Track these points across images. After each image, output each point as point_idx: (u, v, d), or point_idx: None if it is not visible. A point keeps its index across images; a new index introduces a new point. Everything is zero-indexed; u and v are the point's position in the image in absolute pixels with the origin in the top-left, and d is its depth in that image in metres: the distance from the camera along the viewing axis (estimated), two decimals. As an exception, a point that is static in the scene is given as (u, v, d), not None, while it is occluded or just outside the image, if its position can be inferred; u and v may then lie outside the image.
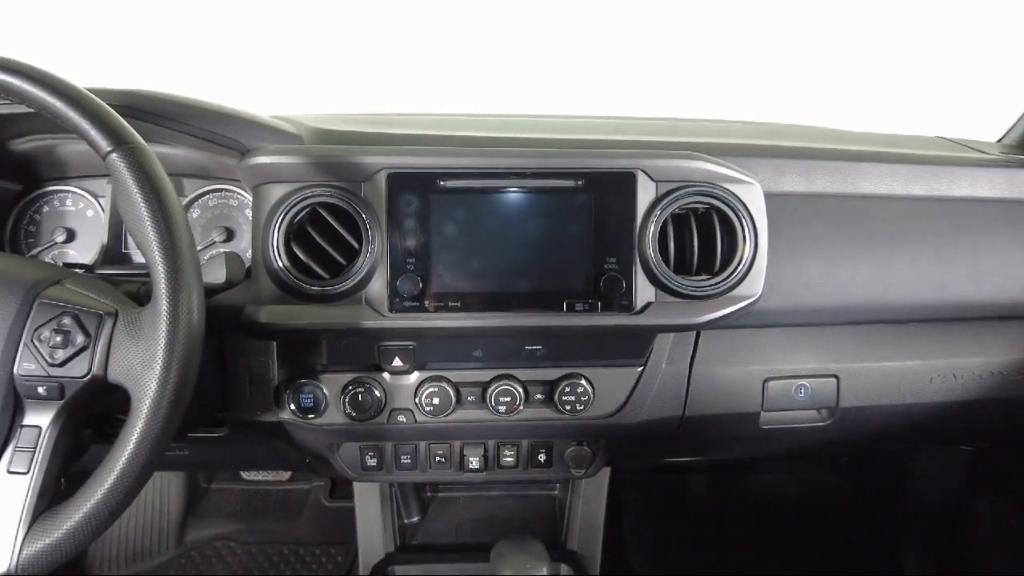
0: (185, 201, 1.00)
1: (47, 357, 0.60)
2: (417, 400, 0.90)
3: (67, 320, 0.61)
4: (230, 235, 1.00)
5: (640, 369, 0.92)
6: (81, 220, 1.01)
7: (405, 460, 0.98)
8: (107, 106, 0.65)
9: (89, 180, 1.01)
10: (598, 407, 0.92)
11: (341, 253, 0.83)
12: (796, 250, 0.90)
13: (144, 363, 0.60)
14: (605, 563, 1.10)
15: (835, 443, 1.04)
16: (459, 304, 0.84)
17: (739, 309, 0.85)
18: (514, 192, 0.84)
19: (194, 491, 1.55)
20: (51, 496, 0.62)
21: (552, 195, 0.84)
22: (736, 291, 0.85)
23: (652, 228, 0.83)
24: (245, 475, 1.61)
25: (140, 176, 0.62)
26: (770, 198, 0.86)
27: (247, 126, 0.88)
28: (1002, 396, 0.99)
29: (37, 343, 0.60)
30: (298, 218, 0.83)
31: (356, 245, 0.83)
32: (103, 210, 1.00)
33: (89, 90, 0.67)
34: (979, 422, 1.05)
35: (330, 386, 0.90)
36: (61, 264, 1.00)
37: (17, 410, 0.61)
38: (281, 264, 0.82)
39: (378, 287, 0.84)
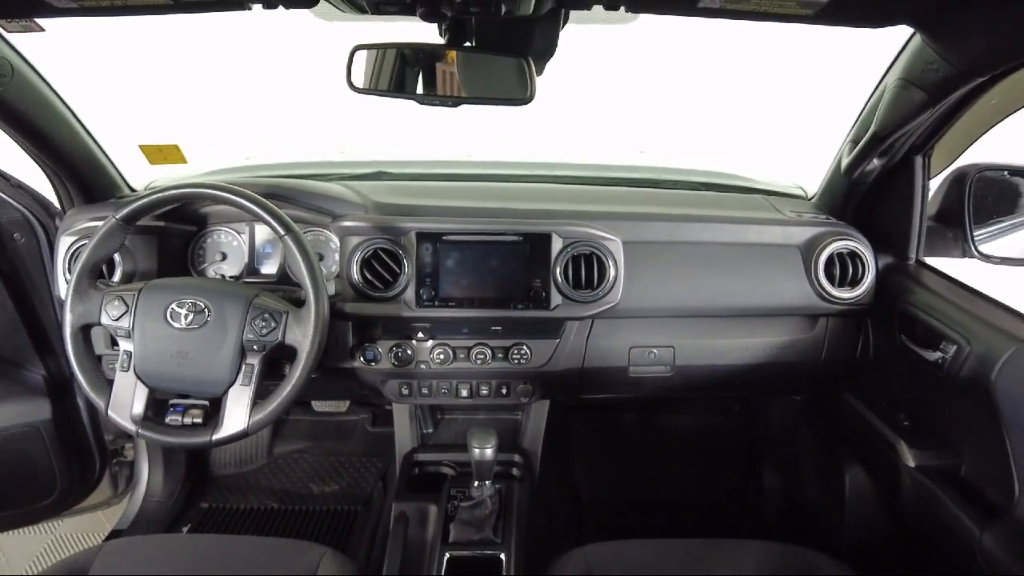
0: (294, 238, 1.70)
1: (259, 332, 1.30)
2: (431, 356, 1.60)
3: (267, 315, 1.31)
4: (321, 257, 1.69)
5: (557, 341, 1.62)
6: (230, 248, 1.70)
7: (424, 391, 1.68)
8: (276, 208, 1.34)
9: (234, 223, 1.70)
10: (534, 362, 1.62)
11: (389, 274, 1.53)
12: (642, 274, 1.58)
13: (304, 335, 1.30)
14: (543, 459, 1.81)
15: (677, 388, 1.72)
16: (454, 303, 1.53)
17: (607, 308, 1.54)
18: (485, 242, 1.53)
19: (279, 420, 2.28)
20: (256, 396, 1.32)
21: (505, 244, 1.53)
22: (605, 299, 1.54)
23: (560, 264, 1.52)
24: (316, 407, 2.34)
25: (300, 248, 1.31)
26: (628, 244, 1.55)
27: (336, 200, 1.58)
28: (774, 361, 1.68)
29: (253, 324, 1.30)
30: (367, 255, 1.52)
31: (397, 270, 1.52)
32: (245, 243, 1.70)
33: (258, 186, 1.36)
34: (766, 378, 1.73)
35: (382, 347, 1.61)
36: (219, 275, 1.69)
37: (243, 356, 1.31)
38: (357, 279, 1.52)
39: (410, 294, 1.53)
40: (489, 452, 1.41)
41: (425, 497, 1.58)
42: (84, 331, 1.34)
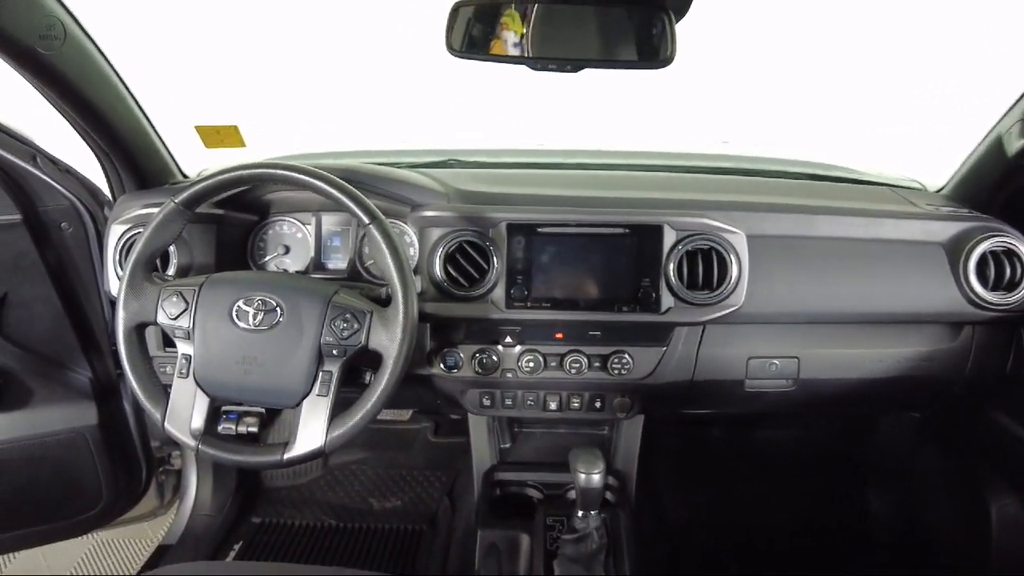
0: (363, 230, 1.52)
1: (339, 334, 1.12)
2: (519, 363, 1.41)
3: (349, 315, 1.13)
4: (396, 253, 1.51)
5: (664, 349, 1.41)
6: (294, 240, 1.53)
7: (508, 402, 1.49)
8: (360, 193, 1.16)
9: (298, 214, 1.53)
10: (636, 372, 1.41)
11: (475, 271, 1.34)
12: (768, 274, 1.37)
13: (391, 339, 1.12)
14: (637, 480, 1.60)
15: (798, 403, 1.51)
16: (550, 305, 1.34)
17: (728, 313, 1.33)
18: (585, 234, 1.33)
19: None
20: (334, 409, 1.14)
21: (608, 237, 1.33)
22: (726, 301, 1.33)
23: (673, 260, 1.32)
24: None
25: (386, 239, 1.13)
26: (751, 239, 1.34)
27: (417, 188, 1.40)
28: (911, 375, 1.45)
29: (333, 326, 1.12)
30: (451, 249, 1.34)
31: (485, 266, 1.33)
32: (310, 235, 1.52)
33: (333, 169, 1.18)
34: (899, 393, 1.51)
35: (465, 352, 1.42)
36: (282, 270, 1.53)
37: (320, 361, 1.13)
38: (440, 277, 1.33)
39: (499, 293, 1.34)
40: (597, 478, 1.22)
41: (514, 524, 1.39)
42: (138, 331, 1.17)
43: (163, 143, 1.57)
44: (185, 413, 1.14)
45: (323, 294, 1.15)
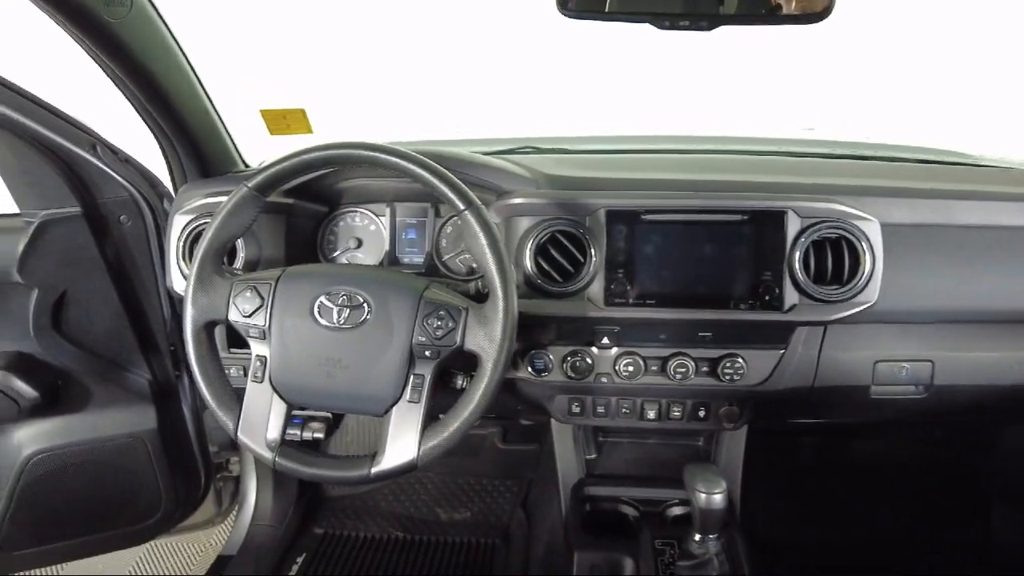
0: (442, 221, 1.39)
1: (432, 333, 1.00)
2: (616, 367, 1.27)
3: (443, 312, 1.00)
4: (472, 245, 1.38)
5: (782, 351, 1.26)
6: (366, 232, 1.42)
7: (600, 410, 1.35)
8: (456, 178, 1.03)
9: (372, 204, 1.41)
10: (749, 378, 1.26)
11: (570, 264, 1.20)
12: (904, 267, 1.20)
13: (489, 339, 0.99)
14: (741, 498, 1.45)
15: (929, 412, 1.34)
16: (655, 302, 1.20)
17: (860, 311, 1.17)
18: (696, 222, 1.19)
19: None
20: (426, 417, 1.02)
21: (723, 225, 1.18)
22: (858, 297, 1.17)
23: (798, 251, 1.16)
24: None
25: (484, 226, 1.00)
26: (884, 227, 1.18)
27: (502, 174, 1.27)
28: None
29: (426, 324, 1.00)
30: (543, 239, 1.20)
31: (581, 259, 1.20)
32: (384, 227, 1.40)
33: (414, 149, 1.05)
34: None
35: (555, 355, 1.28)
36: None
37: (411, 364, 1.01)
38: (531, 271, 1.20)
39: (597, 288, 1.20)
40: (719, 499, 1.08)
41: (614, 545, 1.25)
42: (207, 329, 1.06)
43: (226, 128, 1.46)
44: (260, 421, 1.03)
45: (414, 288, 1.02)
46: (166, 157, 1.45)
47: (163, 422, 1.59)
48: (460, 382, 1.09)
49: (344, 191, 1.36)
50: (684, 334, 1.25)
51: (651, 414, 1.34)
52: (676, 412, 1.34)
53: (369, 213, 1.41)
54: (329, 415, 1.46)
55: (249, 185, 1.05)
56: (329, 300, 1.01)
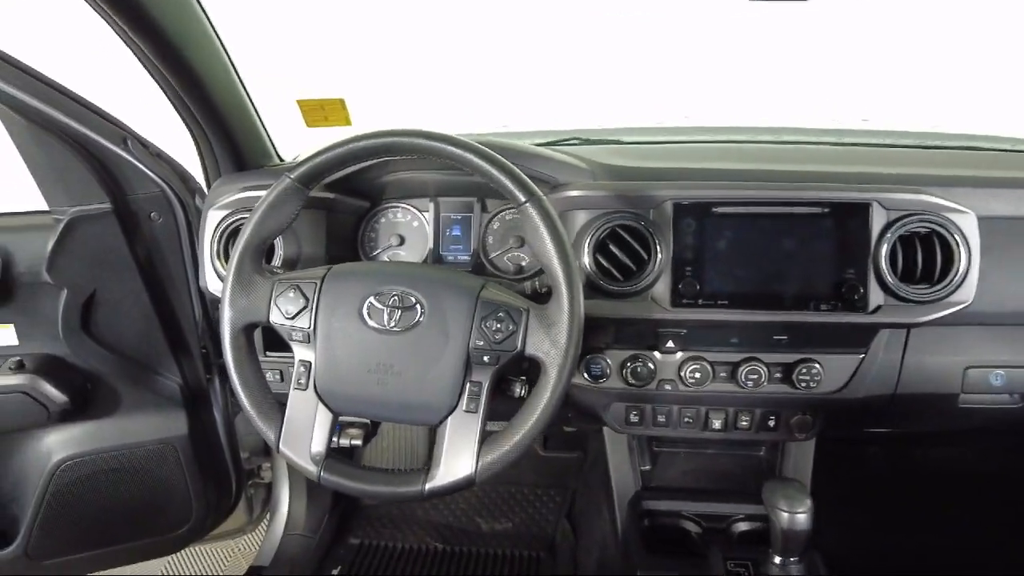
0: (489, 216, 1.31)
1: (491, 337, 0.91)
2: (681, 374, 1.18)
3: (502, 313, 0.91)
4: (523, 242, 1.30)
5: (861, 356, 1.16)
6: (409, 229, 1.34)
7: (660, 419, 1.25)
8: (516, 168, 0.95)
9: (415, 199, 1.33)
10: (826, 385, 1.16)
11: (633, 261, 1.11)
12: (1002, 264, 1.10)
13: (553, 343, 0.90)
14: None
15: (1019, 422, 1.23)
16: (726, 302, 1.10)
17: (954, 312, 1.07)
18: (771, 216, 1.09)
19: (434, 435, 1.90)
20: (484, 428, 0.93)
21: (801, 219, 1.08)
22: (951, 297, 1.06)
23: (885, 247, 1.06)
24: None
25: (546, 219, 0.91)
26: (981, 221, 1.07)
27: (556, 164, 1.18)
28: None
29: (484, 327, 0.91)
30: (603, 235, 1.11)
31: (645, 256, 1.10)
32: (428, 223, 1.32)
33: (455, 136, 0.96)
34: None
35: (613, 359, 1.19)
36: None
37: (467, 370, 0.92)
38: (590, 269, 1.11)
39: (662, 288, 1.11)
40: (803, 518, 0.98)
41: (680, 565, 1.16)
42: (247, 332, 0.99)
43: (261, 120, 1.39)
44: (304, 432, 0.95)
45: (470, 288, 0.94)
46: (199, 150, 1.38)
47: (194, 427, 1.53)
48: (519, 390, 1.00)
49: (386, 185, 1.28)
50: (757, 338, 1.15)
51: (717, 424, 1.24)
52: (744, 422, 1.24)
53: (412, 209, 1.33)
54: (368, 421, 1.39)
55: (292, 176, 0.98)
56: (379, 301, 0.93)
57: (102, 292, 1.39)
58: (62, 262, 1.33)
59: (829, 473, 1.65)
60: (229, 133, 1.32)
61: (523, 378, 1.01)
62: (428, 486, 0.91)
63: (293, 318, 0.95)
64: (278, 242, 1.18)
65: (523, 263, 1.30)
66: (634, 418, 1.26)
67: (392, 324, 0.92)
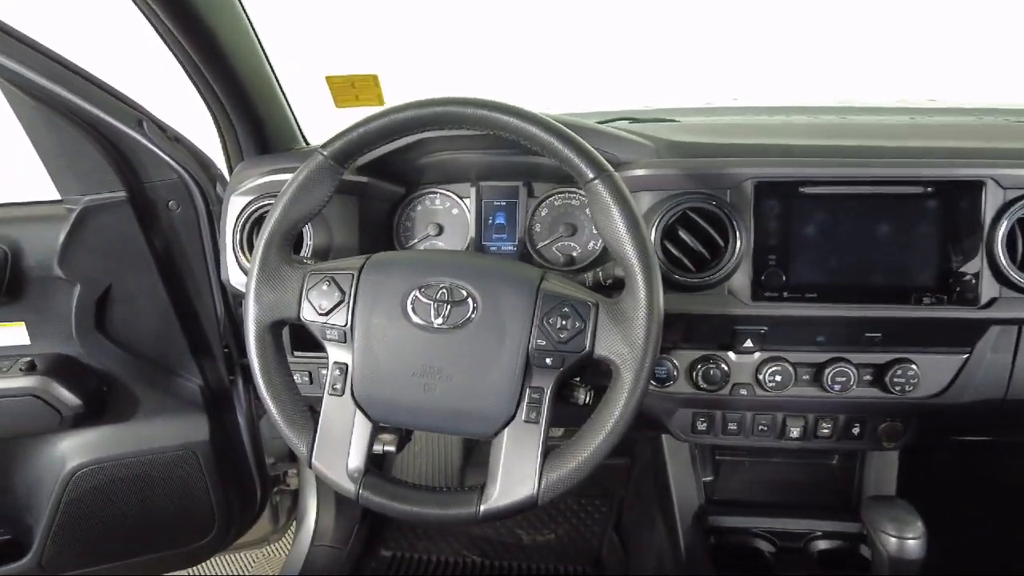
0: (536, 202, 1.19)
1: (554, 336, 0.79)
2: (759, 376, 1.04)
3: (567, 308, 0.79)
4: (573, 230, 1.17)
5: (966, 356, 1.02)
6: (448, 217, 1.22)
7: (731, 427, 1.12)
8: (584, 142, 0.82)
9: (455, 185, 1.21)
10: (923, 388, 1.02)
11: (708, 249, 0.98)
12: None
13: (628, 342, 0.77)
14: None
15: None
16: (815, 296, 0.97)
17: None
18: (867, 197, 0.95)
19: (470, 441, 1.78)
20: (547, 440, 0.81)
21: (902, 200, 0.95)
22: None
23: (1001, 230, 0.92)
24: None
25: (619, 198, 0.79)
26: None
27: (617, 141, 1.05)
28: None
29: (546, 324, 0.79)
30: (672, 219, 0.98)
31: (722, 243, 0.97)
32: (469, 211, 1.20)
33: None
34: None
35: (681, 361, 1.07)
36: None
37: (527, 374, 0.80)
38: (658, 259, 0.98)
39: (741, 279, 0.98)
40: (915, 545, 0.85)
41: None
42: (274, 331, 0.87)
43: (287, 99, 1.28)
44: (340, 444, 0.83)
45: (529, 279, 0.82)
46: (220, 134, 1.27)
47: (216, 432, 1.43)
48: (583, 396, 0.87)
49: (424, 168, 1.16)
50: (847, 335, 1.01)
51: (795, 432, 1.11)
52: (825, 429, 1.10)
53: (451, 195, 1.21)
54: (401, 427, 1.27)
55: (326, 153, 0.86)
56: (425, 294, 0.81)
57: (117, 287, 1.29)
58: (75, 255, 1.24)
59: (913, 485, 1.50)
60: (253, 114, 1.21)
61: (585, 384, 0.88)
62: (483, 507, 0.79)
63: (327, 314, 0.83)
64: (306, 231, 1.07)
65: (574, 253, 1.17)
66: (701, 426, 1.13)
67: (440, 321, 0.80)
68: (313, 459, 0.83)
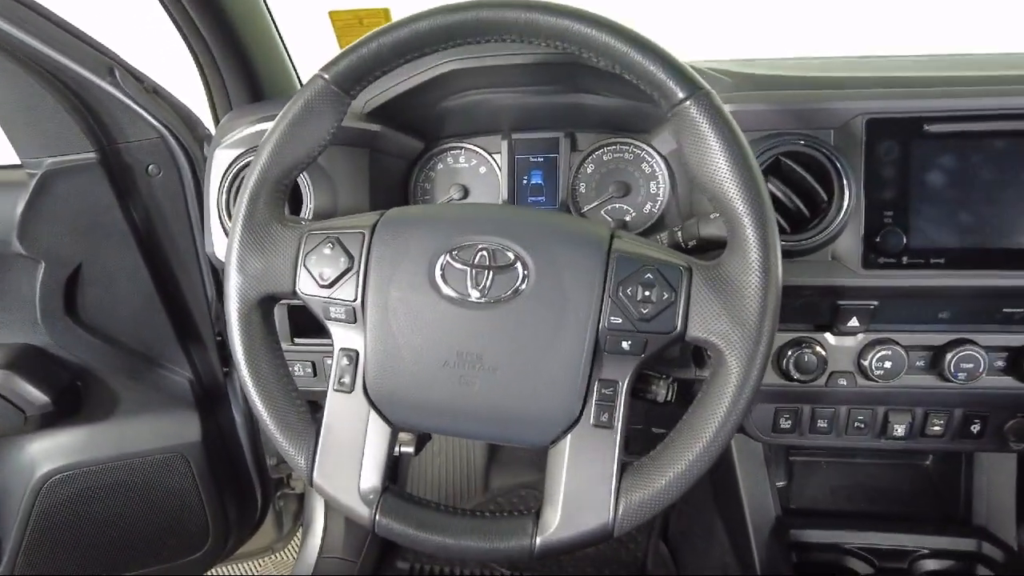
0: (581, 156, 0.99)
1: (633, 311, 0.59)
2: (865, 363, 0.85)
3: (650, 275, 0.59)
4: (626, 190, 0.98)
5: None
6: (474, 177, 1.02)
7: (821, 424, 0.93)
8: (671, 52, 0.62)
9: (482, 137, 1.02)
10: (1071, 377, 0.83)
11: (805, 203, 0.78)
12: None
13: (735, 319, 0.58)
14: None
15: None
16: (942, 261, 0.77)
17: None
18: (1011, 136, 0.75)
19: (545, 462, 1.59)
20: (624, 450, 0.61)
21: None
22: None
23: None
24: None
25: (719, 123, 0.59)
26: None
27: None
28: None
29: (623, 295, 0.60)
30: (761, 167, 0.78)
31: (824, 197, 0.77)
32: (499, 168, 1.01)
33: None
34: None
35: None
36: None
37: (595, 363, 0.61)
38: None
39: (850, 242, 0.78)
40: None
41: None
42: (263, 309, 0.68)
43: (283, 41, 1.08)
44: (349, 455, 0.64)
45: (597, 237, 0.62)
46: (205, 81, 1.09)
47: (209, 432, 1.26)
48: (663, 392, 0.68)
49: (447, 115, 0.97)
50: (980, 310, 0.82)
51: (899, 430, 0.91)
52: (936, 426, 0.91)
53: (478, 150, 1.01)
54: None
55: (328, 76, 0.66)
56: (459, 259, 0.62)
57: (90, 265, 1.11)
58: (37, 228, 1.06)
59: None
60: (244, 57, 1.02)
61: (663, 375, 0.69)
62: (540, 540, 0.60)
63: (331, 286, 0.64)
64: (306, 191, 0.87)
65: (627, 218, 0.98)
66: (785, 424, 0.93)
67: (479, 294, 0.61)
68: (315, 476, 0.64)
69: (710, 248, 0.73)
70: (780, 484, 1.12)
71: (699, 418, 0.59)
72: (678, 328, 0.59)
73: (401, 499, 0.64)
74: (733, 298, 0.58)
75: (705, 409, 0.59)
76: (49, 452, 1.21)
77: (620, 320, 0.59)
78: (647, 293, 0.59)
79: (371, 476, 0.64)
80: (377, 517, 0.63)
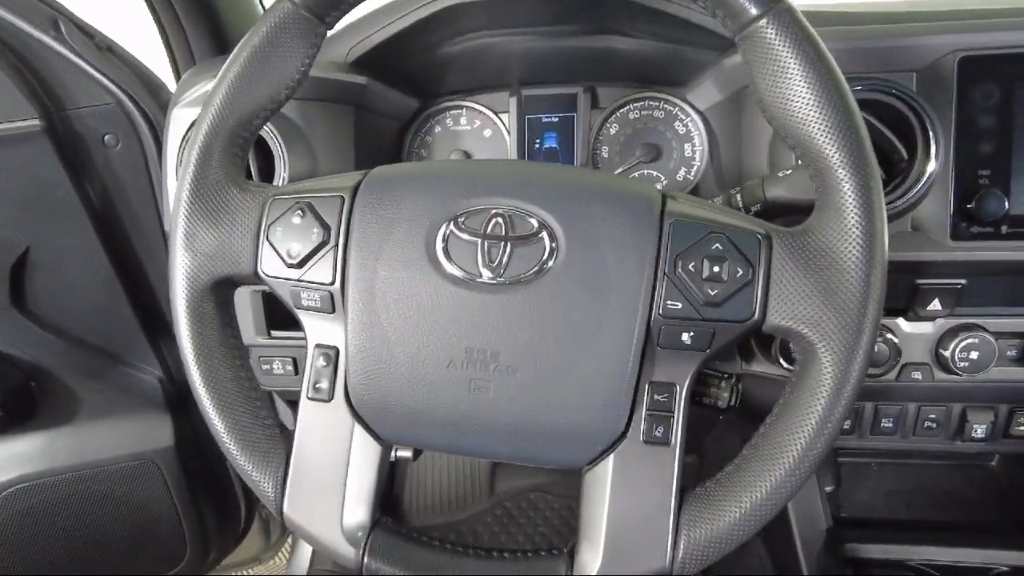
0: (603, 114, 0.85)
1: (697, 293, 0.46)
2: (945, 353, 0.71)
3: (718, 245, 0.46)
4: (657, 153, 0.84)
5: None
6: (478, 140, 0.88)
7: (886, 424, 0.80)
8: None
9: (487, 94, 0.87)
10: None
11: (883, 164, 0.64)
12: None
13: (830, 302, 0.44)
14: None
15: None
16: (1051, 229, 0.63)
17: None
18: None
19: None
20: (683, 472, 0.48)
21: None
22: None
23: None
24: None
25: (805, 46, 0.45)
26: None
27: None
28: None
29: (682, 274, 0.46)
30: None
31: (904, 153, 0.64)
32: (506, 130, 0.87)
33: None
34: None
35: None
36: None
37: (644, 360, 0.47)
38: None
39: (935, 208, 0.65)
40: None
41: None
42: (218, 296, 0.54)
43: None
44: (331, 484, 0.51)
45: (646, 197, 0.48)
46: (164, 36, 0.94)
47: (183, 436, 1.14)
48: (726, 394, 0.54)
49: (447, 66, 0.83)
50: None
51: (979, 431, 0.78)
52: (1022, 425, 0.77)
53: (482, 109, 0.87)
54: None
55: (296, 1, 0.52)
56: (467, 227, 0.48)
57: (39, 250, 0.99)
58: None
59: None
60: (208, 4, 0.87)
61: (724, 375, 0.55)
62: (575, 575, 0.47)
63: (302, 265, 0.50)
64: (279, 155, 0.73)
65: (658, 185, 0.84)
66: (845, 423, 0.79)
67: (493, 274, 0.47)
68: (286, 507, 0.51)
69: (778, 215, 0.59)
70: (828, 489, 0.99)
71: (783, 431, 0.45)
72: (756, 315, 0.45)
73: (396, 536, 0.50)
74: (827, 275, 0.44)
75: (791, 419, 0.45)
76: (2, 462, 1.07)
77: (679, 305, 0.46)
78: (716, 269, 0.45)
79: (357, 507, 0.50)
80: (365, 559, 0.49)
